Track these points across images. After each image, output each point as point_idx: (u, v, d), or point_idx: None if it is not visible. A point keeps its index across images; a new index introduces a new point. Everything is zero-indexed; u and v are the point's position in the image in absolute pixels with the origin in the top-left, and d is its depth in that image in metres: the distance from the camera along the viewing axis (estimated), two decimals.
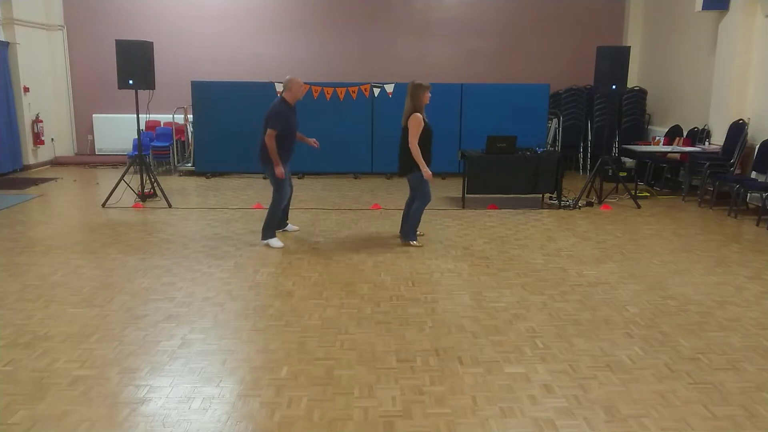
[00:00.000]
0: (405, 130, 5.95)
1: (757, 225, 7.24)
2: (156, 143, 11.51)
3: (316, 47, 12.12)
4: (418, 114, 5.85)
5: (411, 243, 6.28)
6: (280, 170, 6.01)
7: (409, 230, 6.32)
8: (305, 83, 10.20)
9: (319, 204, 8.47)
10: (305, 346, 3.84)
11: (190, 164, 11.10)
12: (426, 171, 5.96)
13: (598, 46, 8.22)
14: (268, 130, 5.94)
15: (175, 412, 3.06)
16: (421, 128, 5.86)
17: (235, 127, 10.53)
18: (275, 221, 6.34)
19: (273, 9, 12.03)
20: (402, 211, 6.63)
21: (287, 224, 6.81)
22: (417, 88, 5.87)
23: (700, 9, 8.94)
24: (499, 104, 10.51)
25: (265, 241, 6.28)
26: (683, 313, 4.45)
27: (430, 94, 5.94)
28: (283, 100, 6.10)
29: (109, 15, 11.92)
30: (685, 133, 9.74)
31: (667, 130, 10.14)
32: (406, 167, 6.03)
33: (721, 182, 8.22)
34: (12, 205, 8.10)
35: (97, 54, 11.86)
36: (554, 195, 8.37)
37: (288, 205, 6.67)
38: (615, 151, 10.81)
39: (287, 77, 6.17)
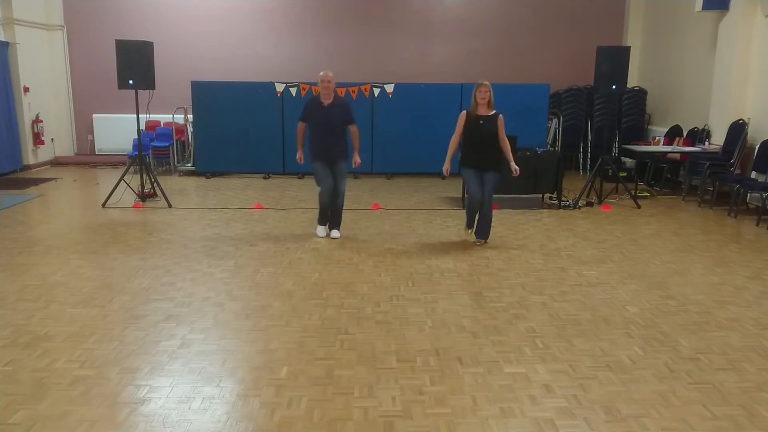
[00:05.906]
0: None
1: (757, 225, 7.24)
2: (156, 143, 11.51)
3: (316, 47, 12.11)
4: (464, 111, 6.26)
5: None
6: (297, 155, 6.51)
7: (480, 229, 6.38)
8: (303, 83, 10.43)
9: None
10: (305, 346, 3.84)
11: (190, 164, 11.10)
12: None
13: (598, 46, 8.21)
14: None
15: (175, 412, 3.06)
16: (460, 123, 6.23)
17: (235, 127, 10.54)
18: (320, 212, 6.60)
19: (273, 9, 12.03)
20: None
21: (334, 230, 6.60)
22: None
23: (700, 9, 8.94)
24: (499, 104, 10.42)
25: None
26: (683, 313, 4.45)
27: (481, 93, 6.18)
28: (314, 94, 6.55)
29: (109, 15, 11.92)
30: (685, 133, 9.73)
31: (667, 130, 10.14)
32: None
33: (721, 182, 8.22)
34: (12, 205, 8.10)
35: (97, 54, 11.85)
36: (554, 195, 8.37)
37: (335, 208, 6.49)
38: (615, 151, 10.81)
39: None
